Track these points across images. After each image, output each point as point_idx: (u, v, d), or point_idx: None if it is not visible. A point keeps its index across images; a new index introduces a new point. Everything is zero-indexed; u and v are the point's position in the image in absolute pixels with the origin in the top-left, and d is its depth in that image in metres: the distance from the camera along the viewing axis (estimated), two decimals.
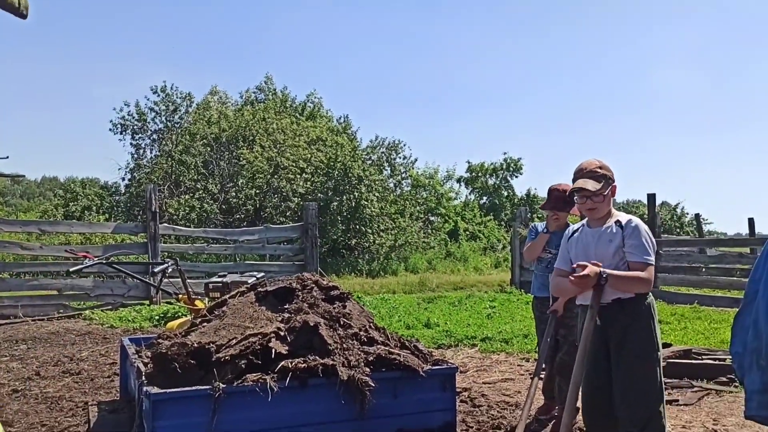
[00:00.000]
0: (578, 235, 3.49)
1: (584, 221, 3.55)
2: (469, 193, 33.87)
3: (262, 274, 5.70)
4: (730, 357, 2.95)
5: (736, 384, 5.70)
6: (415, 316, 10.06)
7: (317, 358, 3.10)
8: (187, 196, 20.44)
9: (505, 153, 34.49)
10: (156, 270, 5.60)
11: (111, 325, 9.56)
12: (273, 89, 28.01)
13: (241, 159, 21.14)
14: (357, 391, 3.07)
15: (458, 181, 33.26)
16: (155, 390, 2.88)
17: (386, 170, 25.23)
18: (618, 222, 3.34)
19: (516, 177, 34.09)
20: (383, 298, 12.95)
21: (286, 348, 3.13)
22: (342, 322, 3.37)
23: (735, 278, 11.79)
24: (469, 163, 34.14)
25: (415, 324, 9.38)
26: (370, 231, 21.02)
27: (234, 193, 20.90)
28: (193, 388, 2.93)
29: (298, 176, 20.58)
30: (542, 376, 4.99)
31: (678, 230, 29.73)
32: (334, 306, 3.49)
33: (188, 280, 5.46)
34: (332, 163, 20.68)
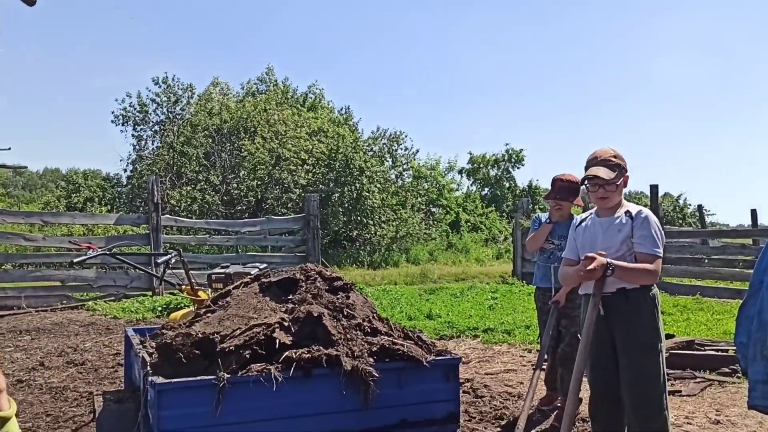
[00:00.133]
0: (586, 225, 3.47)
1: (593, 211, 3.52)
2: (471, 185, 33.90)
3: (265, 265, 5.69)
4: (734, 347, 2.95)
5: (739, 375, 5.71)
6: (416, 308, 10.07)
7: (321, 348, 3.10)
8: (188, 188, 20.45)
9: (507, 144, 34.61)
10: (159, 261, 5.60)
11: (114, 316, 9.59)
12: (274, 80, 27.95)
13: (242, 150, 21.12)
14: (361, 382, 3.07)
15: (460, 172, 33.28)
16: (160, 380, 2.89)
17: (388, 161, 25.22)
18: (628, 212, 3.32)
19: (518, 168, 34.13)
20: (385, 289, 12.97)
21: (290, 338, 3.13)
22: (345, 313, 3.37)
23: (737, 269, 11.79)
24: (470, 154, 34.17)
25: (417, 315, 9.40)
26: (371, 222, 21.02)
27: (235, 185, 20.90)
28: (198, 378, 2.93)
29: (300, 167, 20.57)
30: (544, 367, 5.00)
31: (680, 221, 29.73)
32: (338, 297, 3.49)
33: (191, 271, 5.45)
34: (334, 155, 20.66)
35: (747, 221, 18.61)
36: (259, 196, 20.87)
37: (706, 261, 12.75)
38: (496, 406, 5.06)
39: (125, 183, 24.71)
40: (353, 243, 21.41)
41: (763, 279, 2.75)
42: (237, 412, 2.94)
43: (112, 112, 24.06)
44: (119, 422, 3.33)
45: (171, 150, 22.22)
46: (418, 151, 27.52)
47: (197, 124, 22.30)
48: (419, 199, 25.22)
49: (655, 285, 3.30)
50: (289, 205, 20.30)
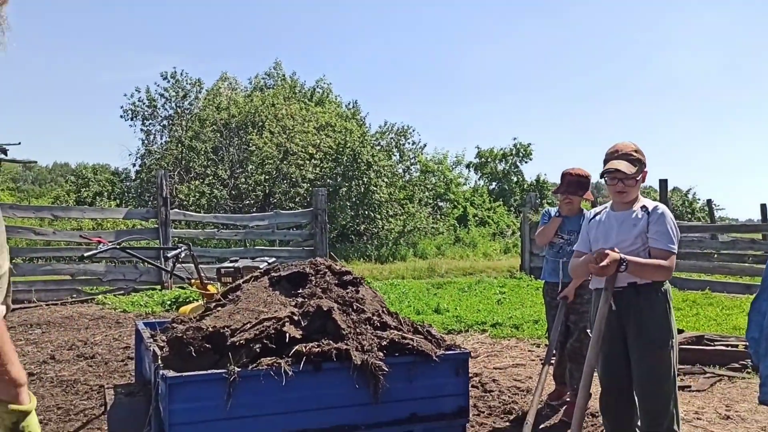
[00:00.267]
0: (601, 218, 3.44)
1: (608, 204, 3.50)
2: (479, 179, 33.81)
3: (274, 259, 5.70)
4: (745, 342, 2.94)
5: (749, 370, 5.69)
6: (424, 302, 10.08)
7: (331, 342, 3.11)
8: (197, 182, 20.49)
9: (515, 138, 34.34)
10: (169, 255, 5.62)
11: (123, 310, 9.64)
12: (282, 75, 27.95)
13: (250, 145, 21.15)
14: (370, 376, 3.07)
15: (467, 166, 33.20)
16: (171, 373, 2.90)
17: (395, 156, 25.18)
18: (644, 207, 3.30)
19: (526, 162, 33.98)
20: (392, 283, 12.98)
21: (300, 332, 3.13)
22: (355, 307, 3.37)
23: (747, 264, 11.73)
24: (478, 148, 34.05)
25: (425, 309, 9.41)
26: (378, 216, 21.02)
27: (243, 179, 20.93)
28: (209, 371, 2.94)
29: (307, 162, 20.58)
30: (553, 361, 5.00)
31: (689, 216, 29.55)
32: (347, 291, 3.49)
33: (200, 265, 5.47)
34: (341, 149, 20.65)
35: (757, 216, 18.52)
36: (267, 191, 20.90)
37: (716, 256, 12.68)
38: (504, 400, 5.07)
39: (134, 177, 24.78)
40: (361, 237, 21.42)
41: None
42: (247, 406, 2.95)
43: (121, 107, 24.13)
44: (130, 415, 3.35)
45: (179, 144, 22.27)
46: (425, 145, 27.44)
47: (205, 119, 22.33)
48: (427, 193, 25.18)
49: (667, 280, 3.28)
50: (297, 200, 20.32)
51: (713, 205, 21.91)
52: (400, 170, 25.01)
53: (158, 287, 11.33)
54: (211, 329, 3.08)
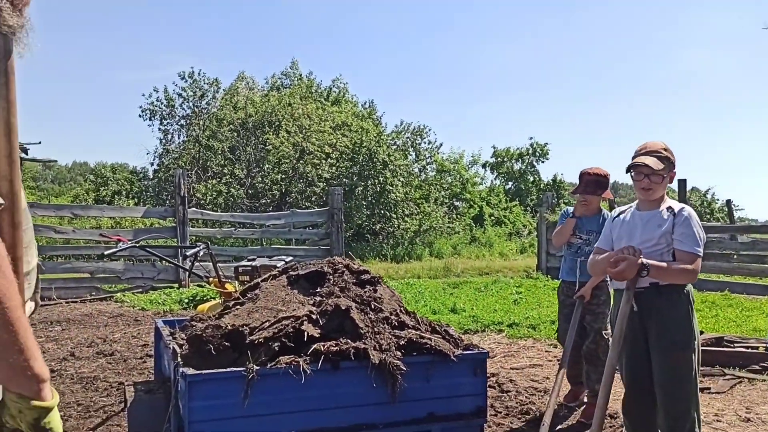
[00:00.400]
0: (625, 217, 3.40)
1: (633, 204, 3.46)
2: (495, 179, 33.71)
3: (291, 258, 5.73)
4: (766, 344, 2.91)
5: None
6: (440, 301, 10.06)
7: (349, 341, 3.11)
8: (214, 181, 20.62)
9: (531, 138, 34.21)
10: (188, 253, 5.67)
11: (142, 308, 9.72)
12: (299, 75, 28.03)
13: (267, 144, 21.24)
14: (388, 375, 3.07)
15: (483, 166, 33.11)
16: (191, 371, 2.92)
17: (411, 155, 25.17)
18: (670, 208, 3.25)
19: (542, 162, 33.86)
20: (408, 282, 12.98)
21: (318, 331, 3.14)
22: (373, 306, 3.38)
23: (767, 265, 11.58)
24: (494, 148, 33.96)
25: (441, 309, 9.39)
26: (394, 216, 21.03)
27: (260, 178, 21.03)
28: (228, 369, 2.96)
29: (324, 161, 20.63)
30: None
31: (708, 216, 29.21)
32: (365, 290, 3.50)
33: (217, 264, 5.51)
34: (357, 148, 20.68)
35: None
36: (284, 190, 20.98)
37: (735, 257, 12.54)
38: (522, 401, 5.05)
39: (152, 176, 25.00)
40: (376, 236, 21.44)
41: None
42: (266, 404, 2.97)
43: (140, 107, 24.34)
44: (150, 412, 3.38)
45: (197, 144, 22.42)
46: (441, 144, 27.46)
47: (222, 119, 22.47)
48: (442, 192, 25.15)
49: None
50: (313, 199, 20.38)
51: (732, 206, 21.64)
52: (416, 170, 24.99)
53: (176, 285, 11.42)
54: (230, 327, 3.10)
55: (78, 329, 8.13)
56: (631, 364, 3.32)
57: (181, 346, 3.34)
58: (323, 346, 3.07)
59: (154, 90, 24.20)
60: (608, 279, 4.41)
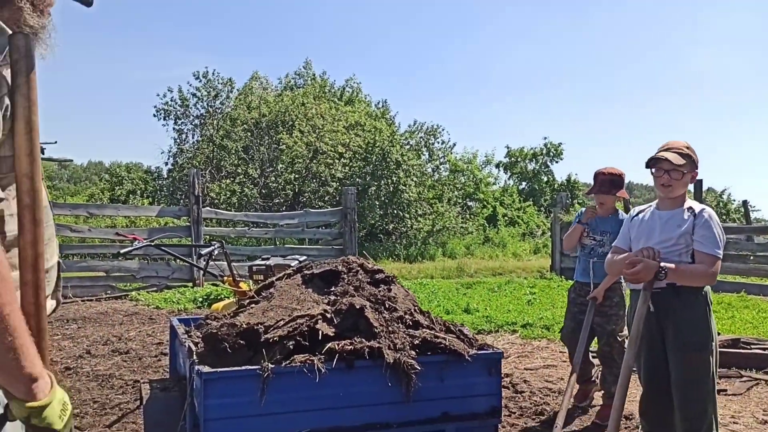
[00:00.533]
0: (644, 217, 3.37)
1: (653, 204, 3.43)
2: (508, 179, 33.60)
3: (304, 257, 5.75)
4: None
5: None
6: (454, 302, 10.04)
7: (363, 340, 3.11)
8: (228, 181, 20.72)
9: (545, 138, 34.05)
10: (203, 252, 5.70)
11: (156, 306, 9.79)
12: (312, 74, 28.09)
13: (280, 144, 21.31)
14: (403, 374, 3.07)
15: (497, 166, 33.02)
16: (206, 369, 2.93)
17: (424, 155, 25.16)
18: (691, 209, 3.22)
19: (556, 162, 33.69)
20: (421, 282, 12.96)
21: (333, 330, 3.15)
22: (387, 305, 3.37)
23: None
24: (508, 148, 33.84)
25: (455, 309, 9.37)
26: (407, 216, 21.02)
27: (273, 178, 21.10)
28: (243, 367, 2.97)
29: (337, 161, 20.66)
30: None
31: (725, 217, 28.93)
32: (380, 289, 3.49)
33: (231, 263, 5.53)
34: (370, 148, 20.69)
35: None
36: (297, 189, 21.04)
37: (752, 258, 12.41)
38: (536, 401, 5.03)
39: (166, 176, 25.16)
40: (389, 236, 21.44)
41: None
42: (280, 402, 2.97)
43: (154, 107, 24.51)
44: (166, 410, 3.40)
45: (211, 143, 22.53)
46: (455, 144, 27.38)
47: (236, 118, 22.57)
48: (456, 192, 25.10)
49: None
50: (326, 198, 20.41)
51: (749, 207, 21.41)
52: (429, 169, 24.97)
53: (190, 284, 11.49)
54: (245, 326, 3.11)
55: (93, 327, 8.21)
56: (649, 365, 3.30)
57: (196, 344, 3.36)
58: (338, 345, 3.07)
59: (168, 90, 24.38)
60: (622, 279, 4.39)
